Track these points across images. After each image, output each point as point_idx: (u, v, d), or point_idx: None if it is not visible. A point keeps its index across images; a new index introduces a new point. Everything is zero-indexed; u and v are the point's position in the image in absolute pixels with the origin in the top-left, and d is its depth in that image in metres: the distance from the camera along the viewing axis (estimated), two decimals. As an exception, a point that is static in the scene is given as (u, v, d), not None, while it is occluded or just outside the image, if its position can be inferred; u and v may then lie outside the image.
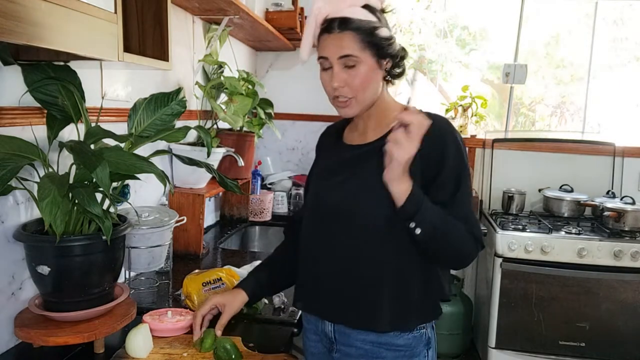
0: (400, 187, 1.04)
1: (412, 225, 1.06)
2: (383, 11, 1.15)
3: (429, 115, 1.13)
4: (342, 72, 1.11)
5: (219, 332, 1.22)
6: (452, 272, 3.25)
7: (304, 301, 1.25)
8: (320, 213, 1.22)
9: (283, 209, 2.89)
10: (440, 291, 1.18)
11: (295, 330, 1.39)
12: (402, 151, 1.01)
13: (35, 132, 1.18)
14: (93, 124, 1.17)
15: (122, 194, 1.57)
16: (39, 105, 1.18)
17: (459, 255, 1.14)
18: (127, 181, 1.56)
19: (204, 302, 1.27)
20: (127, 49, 1.13)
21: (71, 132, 1.25)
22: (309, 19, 1.13)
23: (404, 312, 1.14)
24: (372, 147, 1.17)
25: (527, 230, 2.68)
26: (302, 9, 2.81)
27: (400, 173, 1.03)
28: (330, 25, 1.10)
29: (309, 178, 1.35)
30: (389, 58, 1.13)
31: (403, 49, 1.16)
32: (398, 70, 1.18)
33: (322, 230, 1.20)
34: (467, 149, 1.18)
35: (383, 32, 1.10)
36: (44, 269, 1.08)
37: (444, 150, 1.11)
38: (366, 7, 1.10)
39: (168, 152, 1.80)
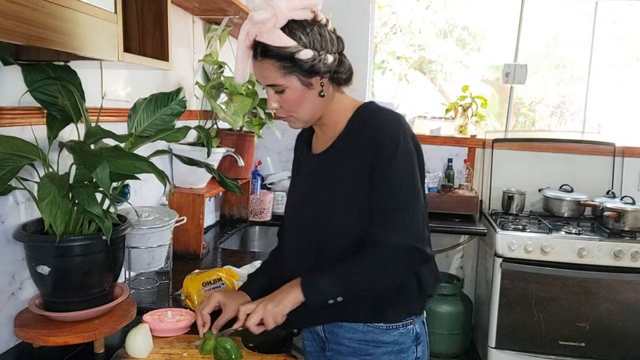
0: (290, 302, 1.10)
1: (331, 301, 1.10)
2: (315, 21, 1.09)
3: (376, 111, 1.15)
4: (274, 95, 1.13)
5: (214, 331, 1.20)
6: (452, 272, 3.25)
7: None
8: (293, 224, 1.27)
9: (283, 209, 2.88)
10: (418, 286, 1.18)
11: (295, 330, 1.39)
12: (271, 321, 1.09)
13: (35, 132, 1.18)
14: (93, 124, 1.17)
15: (122, 194, 1.57)
16: (39, 105, 1.18)
17: (389, 278, 1.13)
18: (127, 181, 1.56)
19: (207, 300, 1.26)
20: (127, 49, 1.14)
21: (71, 132, 1.25)
22: (238, 40, 1.12)
23: (379, 306, 1.16)
24: (327, 154, 1.19)
25: (527, 230, 2.68)
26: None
27: (282, 309, 1.09)
28: (255, 51, 1.10)
29: (290, 184, 1.40)
30: (319, 75, 1.10)
31: (337, 58, 1.12)
32: (343, 76, 1.15)
33: (296, 240, 1.25)
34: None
35: (304, 55, 1.06)
36: (44, 269, 1.08)
37: (378, 154, 1.09)
38: (287, 27, 1.06)
39: (168, 152, 1.80)
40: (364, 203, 1.12)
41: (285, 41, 1.06)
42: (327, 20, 1.12)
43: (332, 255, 1.14)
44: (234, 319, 1.17)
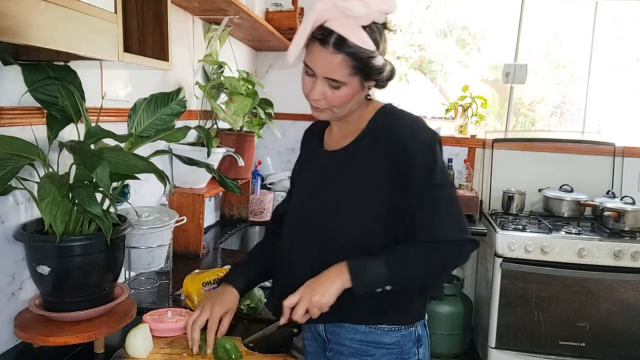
0: (336, 291, 1.07)
1: (379, 290, 1.08)
2: (385, 26, 1.09)
3: (398, 116, 1.15)
4: (324, 87, 1.09)
5: (219, 336, 1.18)
6: (452, 272, 3.25)
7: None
8: (298, 222, 1.22)
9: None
10: (424, 290, 1.19)
11: (295, 330, 1.38)
12: (317, 312, 1.07)
13: (35, 132, 1.18)
14: (93, 124, 1.17)
15: (122, 194, 1.57)
16: (39, 105, 1.18)
17: (443, 270, 1.15)
18: (127, 181, 1.56)
19: (200, 313, 1.18)
20: (127, 49, 1.14)
21: (71, 132, 1.25)
22: (306, 20, 1.06)
23: (385, 305, 1.15)
24: (344, 152, 1.17)
25: (527, 230, 2.68)
26: (302, 9, 2.81)
27: (327, 300, 1.06)
28: (326, 39, 1.04)
29: (293, 173, 1.36)
30: (376, 81, 1.11)
31: (392, 70, 1.12)
32: (386, 83, 1.15)
33: (300, 239, 1.20)
34: (441, 148, 1.14)
35: (377, 61, 1.06)
36: (44, 269, 1.08)
37: (410, 158, 1.09)
38: (369, 27, 1.04)
39: (168, 152, 1.80)
40: (378, 205, 1.11)
41: (368, 43, 1.03)
42: (393, 28, 1.11)
43: (336, 253, 1.12)
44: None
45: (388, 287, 1.08)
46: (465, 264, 1.22)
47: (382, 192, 1.11)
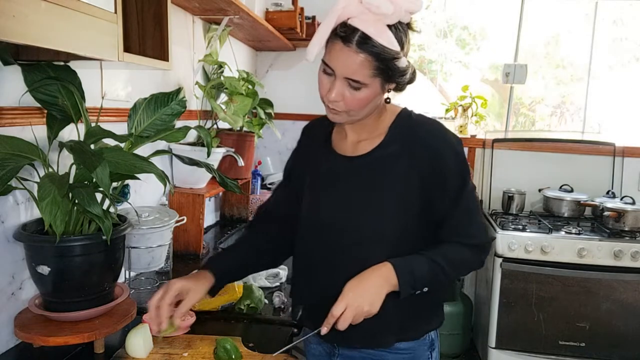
0: (383, 298, 1.03)
1: (417, 292, 1.08)
2: (409, 26, 1.04)
3: (422, 120, 1.13)
4: (343, 88, 1.02)
5: (177, 321, 1.09)
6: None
7: (313, 322, 1.11)
8: (319, 231, 1.16)
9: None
10: (443, 296, 1.22)
11: (295, 330, 1.39)
12: (361, 320, 1.02)
13: (35, 132, 1.18)
14: (93, 124, 1.17)
15: (122, 194, 1.57)
16: (39, 105, 1.18)
17: (468, 271, 1.21)
18: (127, 181, 1.56)
19: (164, 289, 1.08)
20: (127, 49, 1.13)
21: (71, 132, 1.25)
22: (329, 16, 0.99)
23: (410, 322, 1.14)
24: (368, 159, 1.12)
25: (527, 230, 2.68)
26: (302, 9, 2.81)
27: (375, 309, 1.02)
28: (349, 37, 0.97)
29: (290, 167, 1.29)
30: (396, 84, 1.06)
31: (414, 73, 1.07)
32: (406, 86, 1.11)
33: (321, 249, 1.15)
34: (465, 151, 1.17)
35: (401, 63, 1.01)
36: (44, 269, 1.08)
37: (442, 164, 1.08)
38: (395, 27, 0.98)
39: (168, 152, 1.80)
40: (401, 212, 1.08)
41: (393, 44, 0.97)
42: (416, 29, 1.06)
43: (359, 264, 1.07)
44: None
45: (425, 289, 1.08)
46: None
47: (416, 199, 1.08)
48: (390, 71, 1.01)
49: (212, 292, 1.17)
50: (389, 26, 0.98)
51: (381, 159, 1.11)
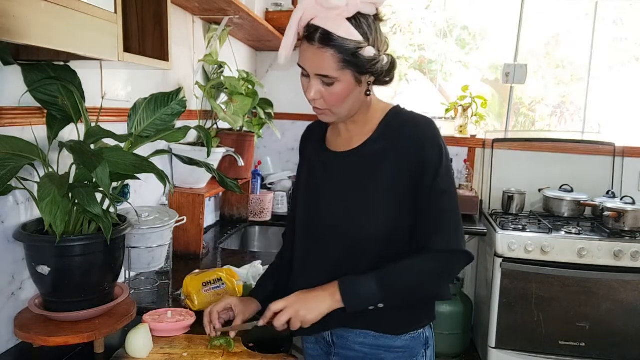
0: (325, 311, 1.07)
1: (371, 308, 1.08)
2: (377, 18, 1.06)
3: (411, 117, 1.14)
4: (318, 85, 1.06)
5: (232, 334, 1.21)
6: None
7: None
8: (313, 229, 1.19)
9: (283, 209, 2.89)
10: (437, 293, 1.18)
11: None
12: (298, 325, 1.07)
13: (35, 132, 1.18)
14: (93, 124, 1.17)
15: (122, 194, 1.57)
16: (39, 105, 1.18)
17: (438, 282, 1.13)
18: (127, 181, 1.56)
19: (220, 301, 1.24)
20: (127, 49, 1.13)
21: (71, 132, 1.25)
22: (292, 19, 1.05)
23: (402, 315, 1.15)
24: (358, 153, 1.14)
25: (527, 230, 2.68)
26: (302, 9, 2.80)
27: (314, 318, 1.06)
28: (311, 35, 1.02)
29: (296, 185, 1.31)
30: (372, 74, 1.07)
31: (392, 62, 1.09)
32: (387, 79, 1.13)
33: (316, 246, 1.18)
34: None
35: (366, 52, 1.02)
36: (44, 269, 1.08)
37: (425, 157, 1.08)
38: (355, 18, 1.01)
39: (168, 152, 1.80)
40: (393, 209, 1.09)
41: (353, 34, 1.00)
42: (385, 19, 1.08)
43: (352, 262, 1.11)
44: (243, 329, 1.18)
45: (381, 305, 1.08)
46: (454, 279, 1.20)
47: (404, 193, 1.09)
48: (358, 62, 1.03)
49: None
50: (349, 19, 1.01)
51: (369, 154, 1.13)
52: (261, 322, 1.12)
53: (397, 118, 1.14)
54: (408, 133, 1.10)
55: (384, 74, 1.10)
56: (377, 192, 1.10)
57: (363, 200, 1.11)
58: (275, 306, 1.09)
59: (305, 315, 1.06)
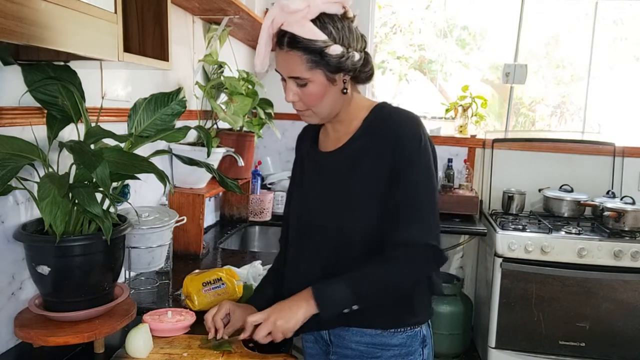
0: (302, 318, 1.06)
1: (346, 311, 1.08)
2: (345, 17, 1.08)
3: (393, 111, 1.15)
4: (294, 87, 1.10)
5: (225, 337, 1.20)
6: (452, 272, 3.25)
7: None
8: (305, 229, 1.21)
9: (283, 208, 2.89)
10: (430, 288, 1.19)
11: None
12: (280, 337, 1.07)
13: (35, 132, 1.18)
14: (93, 124, 1.17)
15: (122, 194, 1.57)
16: (39, 105, 1.18)
17: (409, 281, 1.12)
18: (127, 181, 1.56)
19: (218, 307, 1.22)
20: (127, 49, 1.14)
21: (71, 132, 1.25)
22: (262, 27, 1.09)
23: (396, 311, 1.15)
24: (341, 151, 1.16)
25: (527, 230, 2.68)
26: (302, 9, 2.81)
27: (292, 326, 1.06)
28: (280, 40, 1.07)
29: (290, 186, 1.35)
30: (345, 72, 1.09)
31: (365, 58, 1.11)
32: (365, 75, 1.15)
33: (306, 244, 1.20)
34: (433, 148, 1.14)
35: (333, 50, 1.04)
36: (44, 269, 1.08)
37: (401, 149, 1.09)
38: (319, 19, 1.04)
39: (168, 152, 1.80)
40: (378, 205, 1.10)
41: (316, 34, 1.03)
42: (354, 17, 1.10)
43: (343, 259, 1.12)
44: (241, 330, 1.17)
45: (355, 307, 1.08)
46: (425, 275, 1.17)
47: (385, 185, 1.10)
48: (327, 60, 1.05)
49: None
50: (313, 20, 1.04)
51: (350, 151, 1.15)
52: (242, 336, 1.13)
53: (380, 114, 1.16)
54: (388, 126, 1.12)
55: (358, 71, 1.11)
56: (359, 188, 1.12)
57: (346, 197, 1.13)
58: (252, 318, 1.09)
59: (282, 324, 1.06)
